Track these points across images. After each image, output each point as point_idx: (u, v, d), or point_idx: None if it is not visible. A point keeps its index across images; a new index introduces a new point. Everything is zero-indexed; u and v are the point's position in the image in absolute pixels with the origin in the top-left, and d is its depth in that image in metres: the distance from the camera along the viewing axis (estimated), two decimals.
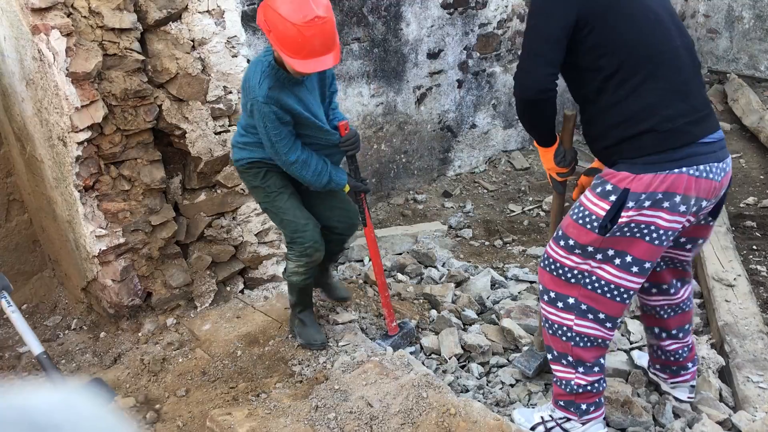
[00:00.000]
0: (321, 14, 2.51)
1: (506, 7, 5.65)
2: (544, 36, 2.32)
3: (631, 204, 2.26)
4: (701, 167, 2.27)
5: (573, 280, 2.46)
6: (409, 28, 5.10)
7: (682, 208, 2.27)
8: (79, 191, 3.09)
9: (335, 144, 2.93)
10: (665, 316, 2.79)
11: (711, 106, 2.39)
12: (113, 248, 3.22)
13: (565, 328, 2.52)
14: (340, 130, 2.93)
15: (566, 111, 2.63)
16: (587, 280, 2.43)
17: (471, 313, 3.66)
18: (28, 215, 3.83)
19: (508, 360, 3.35)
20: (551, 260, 2.50)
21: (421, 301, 3.83)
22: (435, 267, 4.27)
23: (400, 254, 4.46)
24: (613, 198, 2.29)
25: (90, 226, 3.14)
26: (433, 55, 5.32)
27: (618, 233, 2.31)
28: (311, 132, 2.84)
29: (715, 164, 2.30)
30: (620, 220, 2.29)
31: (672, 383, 2.94)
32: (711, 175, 2.29)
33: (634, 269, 2.36)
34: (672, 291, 2.74)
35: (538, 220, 5.06)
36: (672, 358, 2.87)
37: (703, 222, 2.53)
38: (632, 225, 2.29)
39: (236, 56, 3.35)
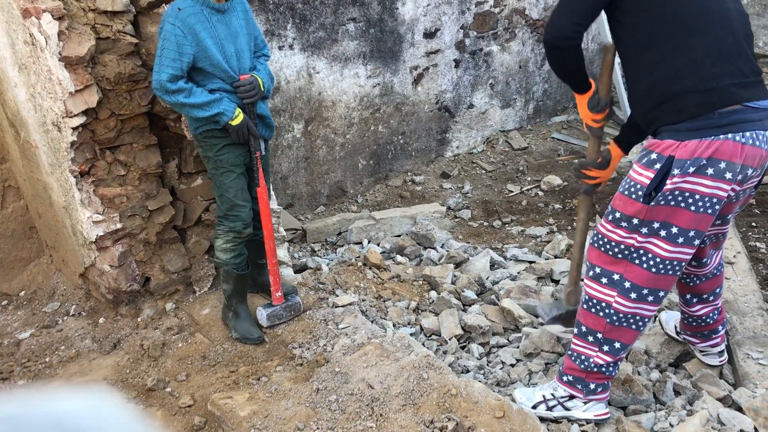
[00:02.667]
0: None
1: None
2: None
3: (676, 171, 2.24)
4: (747, 134, 2.23)
5: (620, 256, 2.45)
6: (405, 8, 5.04)
7: (728, 175, 2.25)
8: (74, 177, 3.06)
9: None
10: (699, 282, 2.80)
11: (760, 77, 2.34)
12: (110, 234, 3.20)
13: (603, 304, 2.52)
14: (240, 78, 2.93)
15: (606, 45, 2.62)
16: (634, 255, 2.42)
17: (471, 294, 3.65)
18: (24, 201, 3.80)
19: (508, 340, 3.35)
20: (600, 236, 2.51)
21: (421, 282, 3.82)
22: (434, 248, 4.26)
23: (399, 236, 4.45)
24: (657, 166, 2.28)
25: (87, 211, 3.12)
26: (429, 35, 5.27)
27: (662, 201, 2.29)
28: (218, 72, 2.84)
29: (762, 132, 2.26)
30: (665, 187, 2.27)
31: (702, 348, 2.97)
32: (757, 143, 2.26)
33: (680, 240, 2.34)
34: (707, 261, 2.75)
35: (536, 200, 5.04)
36: (703, 323, 2.88)
37: (746, 193, 2.49)
38: (677, 193, 2.27)
39: None
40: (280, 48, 4.47)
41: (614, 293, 2.49)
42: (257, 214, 3.12)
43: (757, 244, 4.10)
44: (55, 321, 3.48)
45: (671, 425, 2.65)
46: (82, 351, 3.23)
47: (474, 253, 4.20)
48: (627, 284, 2.46)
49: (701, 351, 2.99)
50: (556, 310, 3.10)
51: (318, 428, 2.52)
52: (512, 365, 3.17)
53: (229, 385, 2.87)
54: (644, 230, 2.37)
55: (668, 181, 2.26)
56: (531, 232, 4.54)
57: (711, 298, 2.83)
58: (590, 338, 2.59)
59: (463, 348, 3.32)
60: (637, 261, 2.43)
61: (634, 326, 2.52)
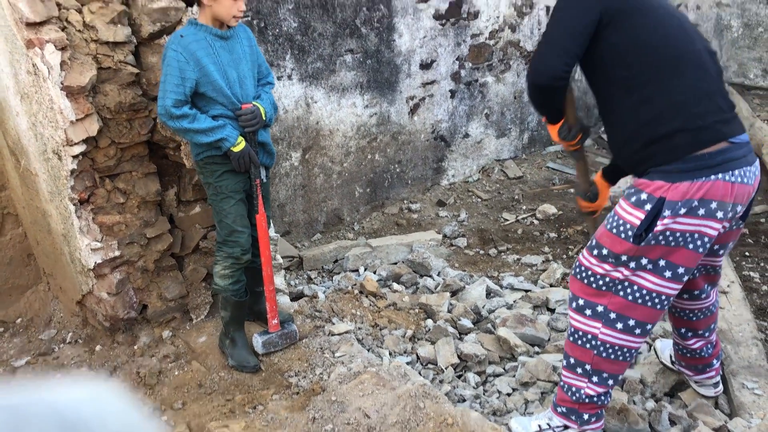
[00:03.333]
0: None
1: (497, 18, 5.69)
2: (565, 27, 2.36)
3: (667, 213, 2.25)
4: (736, 172, 2.26)
5: (604, 288, 2.45)
6: (401, 39, 5.12)
7: (719, 214, 2.27)
8: (74, 204, 3.09)
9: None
10: (694, 318, 2.80)
11: (735, 112, 2.39)
12: (108, 261, 3.22)
13: (589, 336, 2.51)
14: (242, 107, 2.97)
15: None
16: (619, 287, 2.42)
17: (467, 323, 3.67)
18: (23, 229, 3.82)
19: (504, 369, 3.35)
20: (582, 268, 2.50)
21: (417, 310, 3.84)
22: (430, 276, 4.28)
23: (396, 264, 4.47)
24: (648, 207, 2.28)
25: (85, 239, 3.14)
26: (425, 66, 5.35)
27: (653, 242, 2.30)
28: (220, 98, 2.88)
29: (747, 168, 2.30)
30: (656, 228, 2.27)
31: (697, 381, 2.98)
32: (745, 180, 2.29)
33: (667, 274, 2.35)
34: (703, 296, 2.76)
35: (532, 229, 5.08)
36: (698, 356, 2.88)
37: (734, 226, 2.52)
38: (667, 233, 2.28)
39: None
40: (279, 78, 4.53)
41: (599, 324, 2.48)
42: (255, 241, 3.14)
43: (751, 273, 4.13)
44: (51, 348, 3.48)
45: None
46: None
47: (470, 281, 4.22)
48: (612, 315, 2.45)
49: (696, 382, 3.00)
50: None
51: None
52: (508, 394, 3.17)
53: (225, 413, 2.87)
54: (632, 265, 2.37)
55: (659, 222, 2.27)
56: (527, 260, 4.57)
57: (706, 333, 2.84)
58: (579, 370, 2.58)
59: (459, 377, 3.32)
60: (621, 293, 2.42)
61: (621, 357, 2.52)
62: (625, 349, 2.50)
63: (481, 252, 4.81)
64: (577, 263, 2.54)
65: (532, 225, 5.16)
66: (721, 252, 2.63)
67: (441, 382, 3.24)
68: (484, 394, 3.19)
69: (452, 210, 5.49)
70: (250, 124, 2.94)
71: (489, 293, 4.06)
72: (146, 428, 0.78)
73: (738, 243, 4.52)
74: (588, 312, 2.50)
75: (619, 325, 2.45)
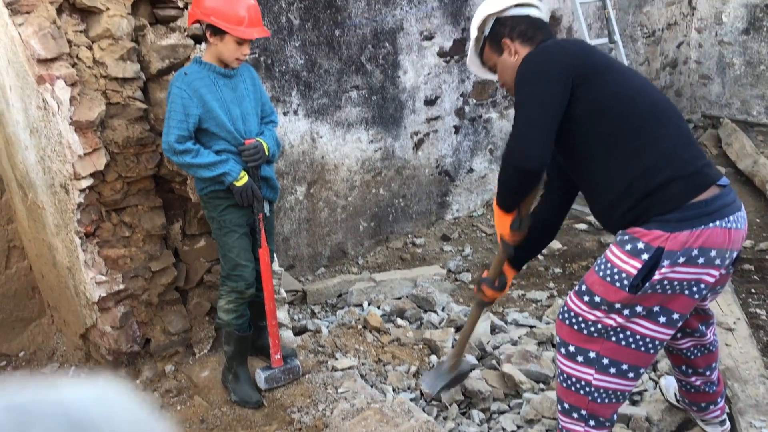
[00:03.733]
0: None
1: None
2: (543, 103, 2.29)
3: (666, 262, 2.18)
4: (731, 218, 2.24)
5: (596, 334, 2.37)
6: (406, 76, 5.19)
7: (718, 261, 2.24)
8: (80, 238, 3.11)
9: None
10: (691, 356, 2.76)
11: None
12: (113, 294, 3.22)
13: (583, 383, 2.44)
14: (245, 142, 3.00)
15: None
16: (611, 333, 2.35)
17: (471, 359, 3.64)
18: (28, 262, 3.84)
19: (509, 406, 3.32)
20: (572, 314, 2.41)
21: (421, 346, 3.82)
22: (434, 311, 4.26)
23: (399, 298, 4.46)
24: (645, 257, 2.22)
25: (90, 272, 3.15)
26: (430, 102, 5.40)
27: (650, 290, 2.24)
28: (223, 133, 2.93)
29: (739, 213, 2.29)
30: (653, 278, 2.22)
31: (703, 419, 2.93)
32: (738, 225, 2.27)
33: (662, 320, 2.30)
34: (697, 334, 2.72)
35: (536, 264, 5.07)
36: (701, 392, 2.84)
37: (727, 271, 2.46)
38: (665, 282, 2.22)
39: None
40: (285, 114, 4.58)
41: (592, 371, 2.41)
42: (259, 275, 3.15)
43: (757, 310, 4.10)
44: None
45: None
46: None
47: None
48: (605, 361, 2.38)
49: (702, 420, 2.96)
50: (442, 381, 3.11)
51: None
52: None
53: None
54: (626, 312, 2.30)
55: (657, 272, 2.21)
56: (531, 296, 4.55)
57: (707, 372, 2.80)
58: (575, 415, 2.52)
59: (463, 414, 3.29)
60: (614, 338, 2.35)
61: (616, 400, 2.46)
62: (619, 393, 2.45)
63: None
64: (565, 308, 2.45)
65: (537, 260, 5.15)
66: (710, 295, 2.58)
67: (445, 419, 3.21)
68: (488, 431, 3.15)
69: (457, 245, 5.50)
70: (252, 159, 2.97)
71: (493, 329, 4.04)
72: (154, 427, 0.77)
73: (744, 280, 4.51)
74: (580, 359, 2.42)
75: (613, 370, 2.39)
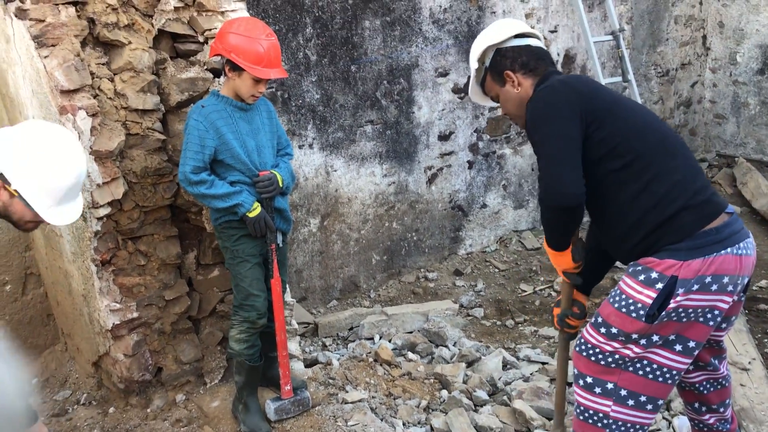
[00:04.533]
0: (270, 32, 2.95)
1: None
2: (562, 138, 2.33)
3: (680, 291, 2.22)
4: (741, 244, 2.28)
5: (613, 365, 2.37)
6: (420, 112, 5.25)
7: (730, 287, 2.27)
8: (96, 265, 3.15)
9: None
10: (705, 391, 2.73)
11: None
12: (127, 322, 3.25)
13: (601, 415, 2.42)
14: (259, 174, 3.05)
15: None
16: (629, 364, 2.35)
17: (482, 394, 3.62)
18: (44, 289, 3.88)
19: None
20: (589, 345, 2.42)
21: (432, 380, 3.79)
22: (446, 346, 4.25)
23: (411, 333, 4.45)
24: (659, 286, 2.23)
25: (105, 300, 3.18)
26: (444, 137, 5.45)
27: (665, 319, 2.26)
28: (238, 165, 2.98)
29: (748, 239, 2.33)
30: (668, 306, 2.23)
31: None
32: (748, 251, 2.31)
33: (678, 348, 2.31)
34: (710, 368, 2.70)
35: (549, 300, 5.05)
36: (714, 430, 2.79)
37: (738, 299, 2.47)
38: (680, 310, 2.24)
39: None
40: (300, 147, 4.64)
41: (610, 402, 2.40)
42: (271, 305, 3.17)
43: None
44: (65, 410, 3.47)
45: None
46: None
47: (486, 352, 4.18)
48: (623, 392, 2.38)
49: None
50: None
51: None
52: None
53: None
54: (642, 342, 2.31)
55: (672, 301, 2.23)
56: (544, 332, 4.53)
57: (720, 408, 2.76)
58: None
59: None
60: (631, 369, 2.35)
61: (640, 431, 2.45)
62: (638, 426, 2.42)
63: (498, 323, 4.78)
64: (582, 340, 2.46)
65: (550, 296, 5.13)
66: (724, 326, 2.56)
67: None
68: None
69: (469, 280, 5.49)
70: (266, 191, 3.02)
71: (505, 365, 4.01)
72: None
73: (760, 320, 4.46)
74: (597, 390, 2.42)
75: (631, 402, 2.38)
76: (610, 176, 2.37)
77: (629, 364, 2.35)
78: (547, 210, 2.40)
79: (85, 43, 3.07)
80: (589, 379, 2.43)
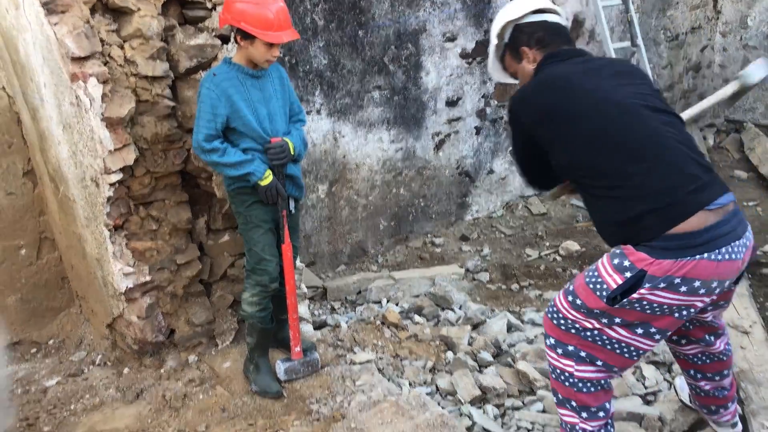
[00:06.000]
0: None
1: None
2: (522, 150, 2.63)
3: (646, 285, 2.23)
4: (723, 250, 2.22)
5: (573, 331, 2.45)
6: (428, 77, 5.25)
7: (702, 291, 2.25)
8: (109, 230, 3.22)
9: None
10: (699, 362, 2.78)
11: (714, 173, 2.36)
12: (140, 286, 3.33)
13: (566, 374, 2.51)
14: (271, 141, 3.09)
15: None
16: (587, 334, 2.42)
17: (487, 356, 3.70)
18: (58, 253, 3.97)
19: (523, 402, 3.37)
20: (555, 309, 2.51)
21: (438, 342, 3.88)
22: (452, 309, 4.32)
23: (417, 296, 4.53)
24: (627, 275, 2.25)
25: (118, 264, 3.26)
26: (451, 103, 5.46)
27: (627, 306, 2.29)
28: (250, 132, 3.02)
29: (736, 242, 2.26)
30: (632, 296, 2.27)
31: (714, 421, 2.96)
32: (732, 256, 2.25)
33: (639, 331, 2.35)
34: (704, 344, 2.73)
35: (554, 265, 5.11)
36: (710, 396, 2.86)
37: (727, 289, 2.44)
38: (644, 302, 2.27)
39: None
40: (308, 113, 4.67)
41: (572, 363, 2.48)
42: (282, 270, 3.24)
43: None
44: (81, 370, 3.58)
45: None
46: (106, 400, 3.32)
47: (491, 315, 4.26)
48: (582, 353, 2.45)
49: (714, 421, 2.98)
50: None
51: None
52: (528, 430, 3.19)
53: None
54: (603, 320, 2.36)
55: (636, 292, 2.25)
56: (549, 296, 4.59)
57: (717, 377, 2.80)
58: (568, 406, 2.57)
59: (478, 409, 3.35)
60: (590, 339, 2.42)
61: (600, 388, 2.51)
62: (602, 381, 2.50)
63: (503, 287, 4.85)
64: (552, 303, 2.54)
65: (555, 261, 5.19)
66: (712, 309, 2.58)
67: (461, 414, 3.27)
68: (502, 427, 3.20)
69: (475, 245, 5.55)
70: (278, 158, 3.06)
71: (510, 328, 4.09)
72: None
73: (762, 285, 4.51)
74: (560, 351, 2.50)
75: (591, 367, 2.46)
76: (577, 180, 2.47)
77: (588, 334, 2.42)
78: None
79: (94, 9, 3.09)
80: (552, 340, 2.53)
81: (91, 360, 3.67)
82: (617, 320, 2.34)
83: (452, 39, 5.31)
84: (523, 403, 3.37)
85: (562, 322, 2.47)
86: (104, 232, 3.23)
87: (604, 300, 2.31)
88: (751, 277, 4.55)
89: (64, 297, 4.03)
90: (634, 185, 2.28)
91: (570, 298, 2.44)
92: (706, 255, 2.20)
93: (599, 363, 2.45)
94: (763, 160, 6.37)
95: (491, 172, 5.93)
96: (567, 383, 2.53)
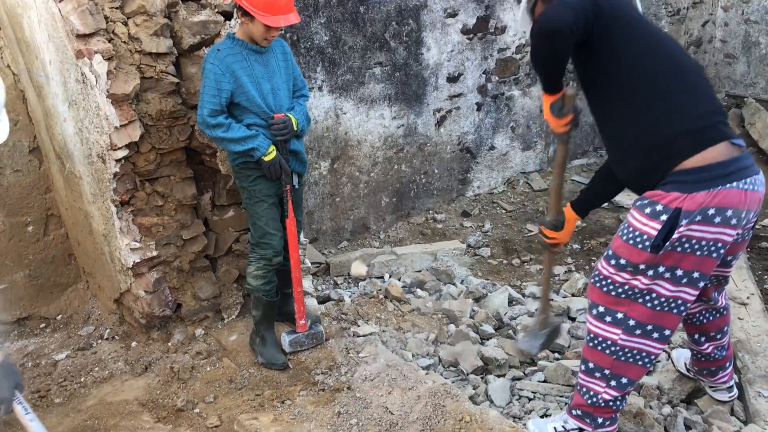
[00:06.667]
0: None
1: (525, 32, 5.80)
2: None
3: (683, 222, 2.30)
4: (748, 180, 2.32)
5: (623, 296, 2.51)
6: (429, 53, 5.26)
7: (734, 221, 2.33)
8: (115, 206, 3.26)
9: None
10: (704, 321, 2.88)
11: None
12: (146, 261, 3.38)
13: (609, 342, 2.57)
14: (274, 116, 3.11)
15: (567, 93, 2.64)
16: (638, 296, 2.47)
17: (488, 328, 3.76)
18: (65, 229, 4.01)
19: (524, 373, 3.44)
20: (602, 276, 2.56)
21: (440, 316, 3.94)
22: (453, 284, 4.38)
23: (419, 271, 4.58)
24: (664, 218, 2.32)
25: (125, 239, 3.30)
26: (452, 79, 5.47)
27: (670, 249, 2.36)
28: (253, 108, 3.05)
29: (756, 176, 2.37)
30: (672, 237, 2.33)
31: (711, 385, 3.04)
32: (756, 187, 2.36)
33: (684, 280, 2.41)
34: (711, 302, 2.84)
35: None
36: (711, 359, 2.95)
37: (745, 236, 2.57)
38: (684, 240, 2.33)
39: None
40: (309, 89, 4.69)
41: (619, 331, 2.54)
42: (286, 244, 3.28)
43: None
44: (89, 344, 3.64)
45: None
46: (115, 372, 3.38)
47: (493, 289, 4.31)
48: (631, 322, 2.52)
49: (711, 387, 3.06)
50: (539, 339, 3.15)
51: None
52: (529, 399, 3.25)
53: (255, 407, 3.00)
54: (650, 273, 2.42)
55: (675, 231, 2.32)
56: None
57: (718, 336, 2.91)
58: (597, 374, 2.65)
59: (481, 379, 3.41)
60: (640, 300, 2.48)
61: (640, 362, 2.58)
62: (644, 354, 2.56)
63: (505, 262, 4.90)
64: (596, 272, 2.60)
65: None
66: (732, 261, 2.68)
67: (464, 383, 3.33)
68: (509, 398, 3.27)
69: (477, 221, 5.60)
70: (281, 133, 3.10)
71: (511, 301, 4.15)
72: None
73: (761, 258, 4.56)
74: (608, 319, 2.56)
75: (638, 331, 2.52)
76: (614, 90, 2.45)
77: (638, 295, 2.47)
78: (534, 38, 2.42)
79: None
80: (601, 309, 2.58)
81: (99, 334, 3.74)
82: (661, 270, 2.40)
83: (453, 15, 5.31)
84: (524, 373, 3.44)
85: (611, 287, 2.52)
86: (111, 208, 3.27)
87: (648, 250, 2.37)
88: (750, 251, 4.60)
89: (71, 273, 4.08)
90: (674, 102, 2.35)
91: (613, 261, 2.50)
92: (735, 183, 2.30)
93: (649, 328, 2.50)
94: (764, 134, 6.39)
95: (492, 148, 5.96)
96: (607, 351, 2.59)
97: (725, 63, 7.44)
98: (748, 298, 3.78)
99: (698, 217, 2.30)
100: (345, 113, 4.94)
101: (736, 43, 7.30)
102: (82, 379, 3.35)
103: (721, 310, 2.87)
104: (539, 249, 5.04)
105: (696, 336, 2.93)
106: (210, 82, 2.96)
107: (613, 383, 2.63)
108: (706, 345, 2.92)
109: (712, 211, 2.30)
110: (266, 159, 3.07)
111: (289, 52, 3.24)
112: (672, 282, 2.43)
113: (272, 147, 3.09)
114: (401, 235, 5.42)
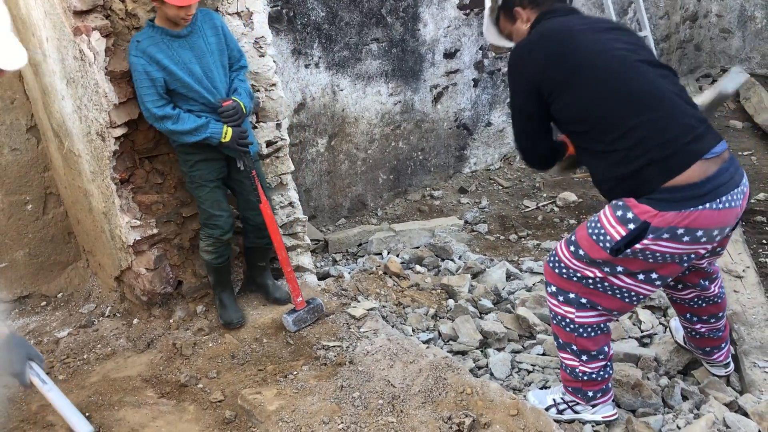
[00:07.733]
0: None
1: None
2: (524, 114, 2.58)
3: (650, 236, 2.29)
4: (723, 198, 2.29)
5: (575, 279, 2.55)
6: (426, 29, 5.25)
7: (704, 239, 2.32)
8: (115, 184, 3.26)
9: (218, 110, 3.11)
10: (695, 306, 2.88)
11: (707, 123, 2.40)
12: (147, 238, 3.39)
13: (567, 320, 2.62)
14: (223, 104, 3.10)
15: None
16: (589, 282, 2.51)
17: (487, 303, 3.80)
18: (64, 208, 4.01)
19: (523, 346, 3.48)
20: (557, 259, 2.60)
21: (439, 291, 3.97)
22: (452, 260, 4.41)
23: (418, 248, 4.61)
24: (632, 227, 2.31)
25: (125, 217, 3.31)
26: (449, 55, 5.46)
27: (630, 256, 2.37)
28: (191, 93, 3.04)
29: (735, 190, 2.32)
30: (635, 246, 2.33)
31: (707, 361, 3.08)
32: (732, 204, 2.32)
33: (641, 277, 2.44)
34: (700, 288, 2.83)
35: (552, 216, 5.19)
36: (705, 337, 2.97)
37: (724, 236, 2.52)
38: (647, 252, 2.34)
39: (263, 56, 3.51)
40: (306, 66, 4.67)
41: (573, 309, 2.59)
42: (263, 226, 3.34)
43: (767, 260, 4.21)
44: (91, 321, 3.67)
45: (678, 427, 2.77)
46: (118, 349, 3.41)
47: (490, 265, 4.35)
48: (583, 300, 2.56)
49: (707, 362, 3.10)
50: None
51: (342, 422, 2.68)
52: (528, 372, 3.30)
53: (258, 382, 3.03)
54: (606, 269, 2.45)
55: (639, 243, 2.32)
56: (546, 245, 4.68)
57: (712, 320, 2.91)
58: (568, 350, 2.70)
59: (481, 353, 3.45)
60: (591, 286, 2.52)
61: (600, 332, 2.63)
62: (602, 324, 2.62)
63: (502, 237, 4.93)
64: (553, 252, 2.64)
65: (553, 212, 5.27)
66: (709, 256, 2.68)
67: (464, 354, 3.37)
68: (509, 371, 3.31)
69: (474, 197, 5.62)
70: (232, 120, 3.10)
71: (509, 276, 4.18)
72: None
73: (756, 231, 4.60)
74: (561, 298, 2.61)
75: (589, 307, 2.57)
76: (578, 136, 2.49)
77: (590, 282, 2.51)
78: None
79: None
80: (553, 288, 2.64)
81: (101, 312, 3.76)
82: (619, 269, 2.43)
83: None
84: (523, 346, 3.48)
85: (564, 270, 2.57)
86: (111, 185, 3.27)
87: (608, 251, 2.39)
88: (745, 224, 4.64)
89: (70, 251, 4.09)
90: (634, 138, 2.32)
91: (572, 248, 2.53)
92: (708, 205, 2.27)
93: (600, 308, 2.56)
94: (758, 109, 6.41)
95: (489, 124, 5.96)
96: (568, 329, 2.64)
97: (721, 37, 7.44)
98: (743, 271, 3.82)
99: (666, 235, 2.29)
100: (342, 90, 4.94)
101: (731, 18, 7.30)
102: (84, 356, 3.38)
103: (713, 298, 2.86)
104: (535, 225, 5.08)
105: (687, 315, 2.94)
106: (139, 74, 2.95)
107: (584, 357, 2.67)
108: (699, 326, 2.93)
109: (681, 231, 2.28)
110: (225, 141, 3.09)
111: (220, 25, 3.16)
112: (629, 276, 2.45)
113: (225, 127, 3.08)
114: (399, 212, 5.44)
